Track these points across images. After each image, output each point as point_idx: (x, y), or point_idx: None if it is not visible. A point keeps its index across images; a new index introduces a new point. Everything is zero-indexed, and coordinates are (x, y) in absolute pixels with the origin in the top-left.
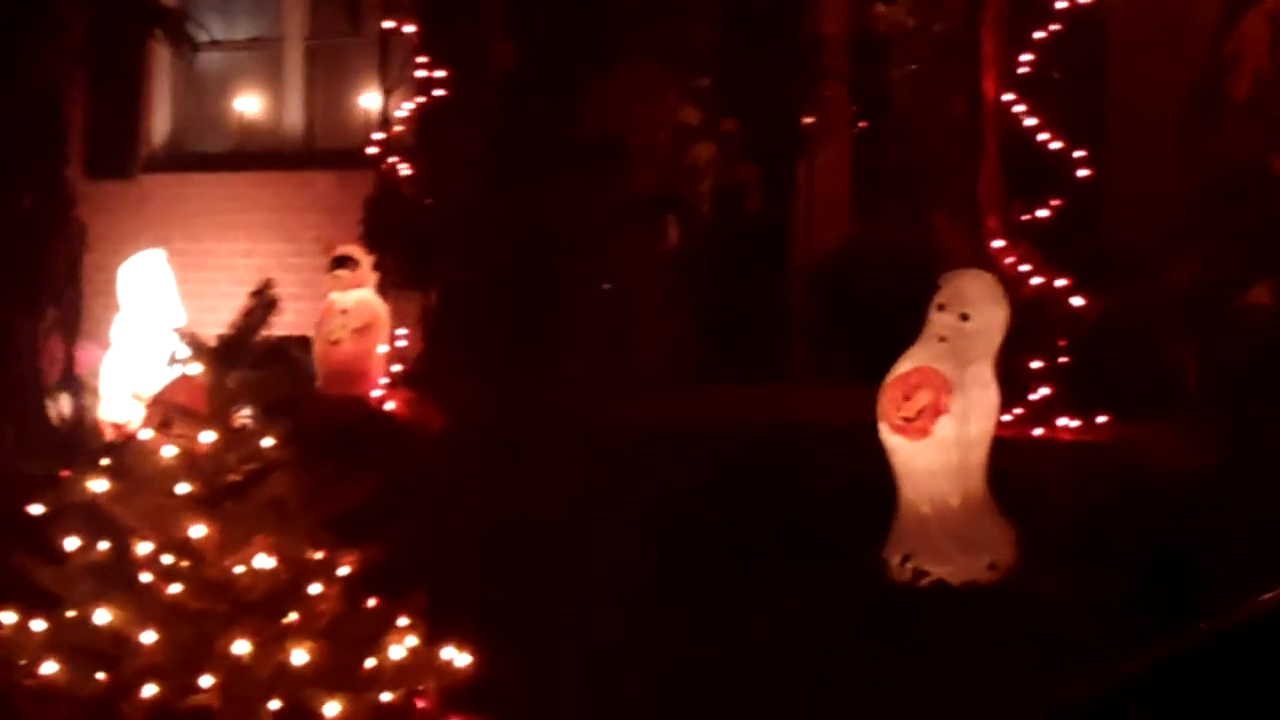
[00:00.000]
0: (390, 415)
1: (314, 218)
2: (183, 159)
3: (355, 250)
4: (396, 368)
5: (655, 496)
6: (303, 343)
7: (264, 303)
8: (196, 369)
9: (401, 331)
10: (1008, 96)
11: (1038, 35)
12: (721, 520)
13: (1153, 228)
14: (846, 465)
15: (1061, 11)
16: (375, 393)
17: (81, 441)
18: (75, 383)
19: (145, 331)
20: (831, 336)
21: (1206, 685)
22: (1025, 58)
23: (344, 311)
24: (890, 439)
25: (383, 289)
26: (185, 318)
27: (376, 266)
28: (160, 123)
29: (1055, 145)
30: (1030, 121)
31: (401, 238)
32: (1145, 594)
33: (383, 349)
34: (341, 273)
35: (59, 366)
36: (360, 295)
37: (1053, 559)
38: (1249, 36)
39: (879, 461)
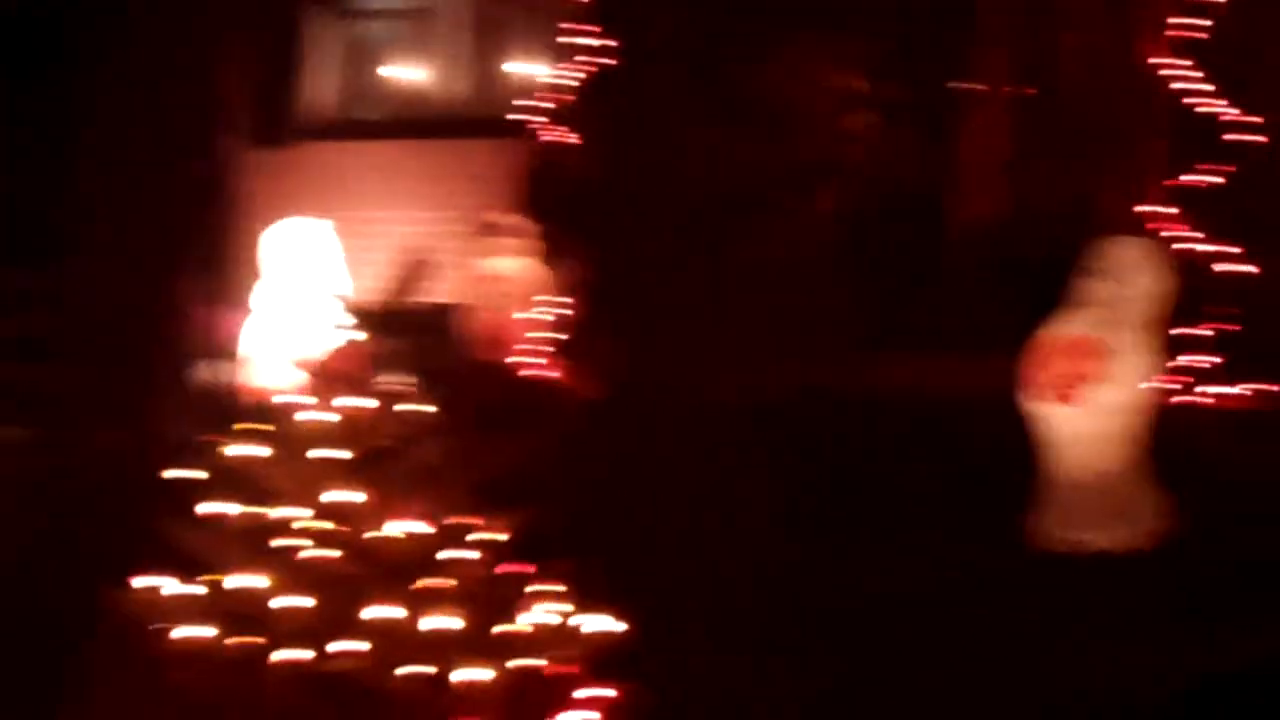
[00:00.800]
0: (546, 382)
1: (475, 186)
2: (340, 127)
3: (514, 219)
4: (555, 335)
5: (811, 458)
6: (460, 310)
7: (419, 265)
8: (358, 336)
9: (561, 300)
10: (1178, 61)
11: None
12: (878, 484)
13: None
14: (1003, 434)
15: None
16: (531, 360)
17: (232, 407)
18: (229, 349)
19: (299, 298)
20: (993, 304)
21: None
22: (1199, 17)
23: (499, 279)
24: (1045, 406)
25: (543, 257)
26: (348, 285)
27: (537, 235)
28: (318, 90)
29: (1228, 110)
30: (1201, 84)
31: (563, 207)
32: None
33: (541, 317)
34: (500, 241)
35: (215, 332)
36: (519, 263)
37: (1209, 529)
38: None
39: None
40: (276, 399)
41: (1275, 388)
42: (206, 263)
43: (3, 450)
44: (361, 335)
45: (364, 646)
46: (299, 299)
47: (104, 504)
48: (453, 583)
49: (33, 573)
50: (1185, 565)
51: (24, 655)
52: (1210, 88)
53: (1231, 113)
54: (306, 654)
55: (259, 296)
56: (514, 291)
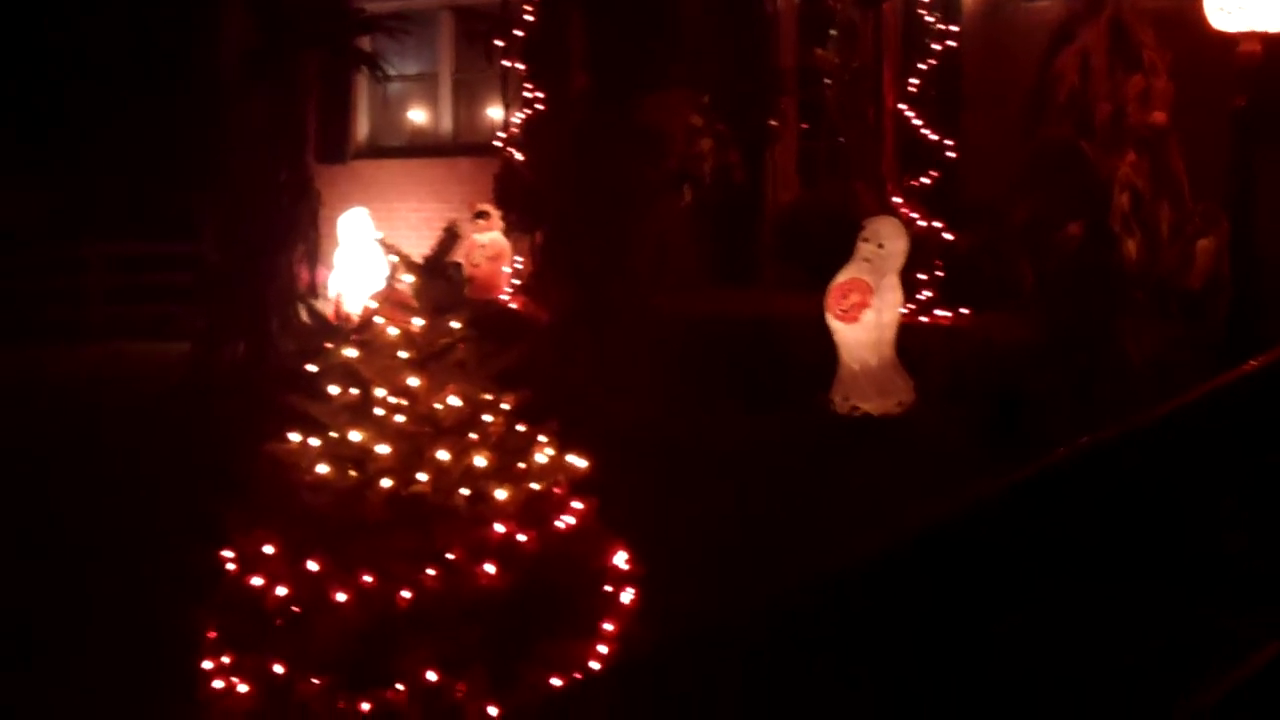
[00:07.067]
0: (514, 312)
1: (460, 188)
2: (376, 150)
3: (488, 207)
4: (516, 282)
5: (688, 358)
6: (456, 266)
7: (451, 235)
8: (408, 279)
9: (519, 259)
10: (901, 105)
11: (920, 66)
12: (730, 373)
13: (997, 189)
14: (805, 340)
15: (935, 50)
16: (502, 298)
17: (321, 328)
18: (315, 291)
19: (354, 258)
20: (790, 259)
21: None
22: (913, 80)
23: (482, 246)
24: (833, 323)
25: (506, 231)
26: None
27: (502, 218)
28: (362, 127)
29: (932, 137)
30: (916, 122)
31: (518, 199)
32: (993, 423)
33: (506, 270)
34: (480, 221)
35: (304, 281)
36: (492, 235)
37: (936, 400)
38: (1066, 64)
39: (825, 338)
40: (358, 318)
41: (967, 311)
42: (302, 235)
43: (178, 356)
44: (411, 279)
45: (429, 478)
46: (354, 258)
47: (251, 388)
48: (483, 436)
49: (209, 434)
50: (925, 421)
51: (208, 488)
52: (921, 122)
53: (934, 138)
54: (393, 484)
55: (338, 257)
56: (492, 254)
